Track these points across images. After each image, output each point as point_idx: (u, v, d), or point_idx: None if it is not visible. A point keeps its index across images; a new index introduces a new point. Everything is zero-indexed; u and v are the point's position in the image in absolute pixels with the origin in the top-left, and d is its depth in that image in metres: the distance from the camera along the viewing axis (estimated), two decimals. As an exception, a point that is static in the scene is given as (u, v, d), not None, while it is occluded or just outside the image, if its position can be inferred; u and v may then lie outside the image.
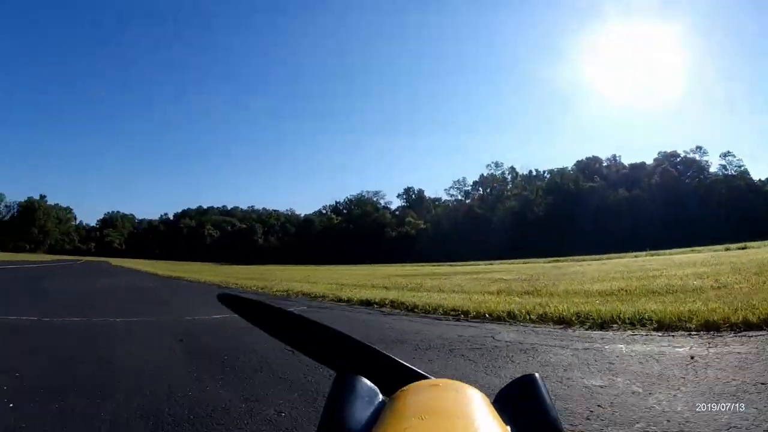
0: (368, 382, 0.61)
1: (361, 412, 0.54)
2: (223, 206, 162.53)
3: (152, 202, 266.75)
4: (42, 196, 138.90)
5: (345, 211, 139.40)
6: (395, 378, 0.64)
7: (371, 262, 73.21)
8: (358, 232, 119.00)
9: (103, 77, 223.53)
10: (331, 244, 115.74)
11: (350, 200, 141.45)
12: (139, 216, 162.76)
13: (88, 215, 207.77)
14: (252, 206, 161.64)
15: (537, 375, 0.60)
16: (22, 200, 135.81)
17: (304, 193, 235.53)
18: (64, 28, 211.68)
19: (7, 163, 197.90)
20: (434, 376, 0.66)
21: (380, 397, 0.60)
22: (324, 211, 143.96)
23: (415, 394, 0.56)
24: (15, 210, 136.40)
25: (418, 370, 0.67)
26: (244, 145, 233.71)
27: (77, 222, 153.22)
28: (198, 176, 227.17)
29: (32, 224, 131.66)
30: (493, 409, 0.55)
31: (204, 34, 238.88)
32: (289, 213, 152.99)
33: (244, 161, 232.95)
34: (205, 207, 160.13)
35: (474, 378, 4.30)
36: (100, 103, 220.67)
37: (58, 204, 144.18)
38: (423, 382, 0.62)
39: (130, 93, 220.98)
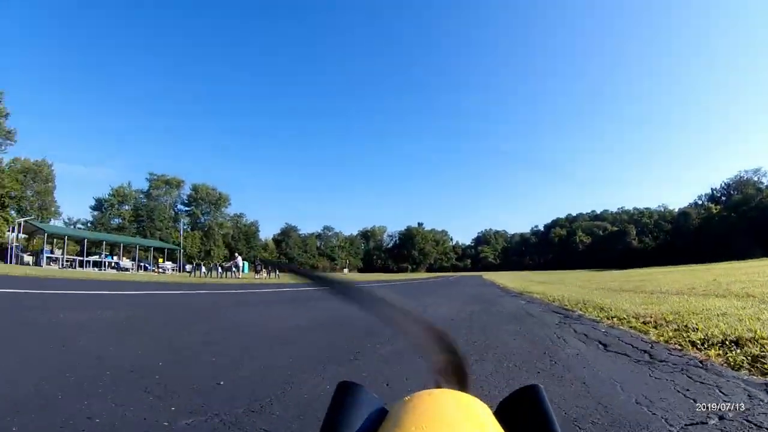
0: (370, 392, 0.59)
1: (362, 421, 0.53)
2: (592, 211, 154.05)
3: (523, 217, 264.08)
4: (419, 224, 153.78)
5: (723, 197, 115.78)
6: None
7: (762, 255, 63.50)
8: (741, 220, 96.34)
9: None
10: (711, 238, 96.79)
11: (727, 184, 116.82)
12: (510, 231, 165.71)
13: (464, 235, 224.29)
14: (622, 207, 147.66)
15: (539, 386, 0.58)
16: (402, 229, 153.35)
17: (675, 185, 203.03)
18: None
19: (392, 202, 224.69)
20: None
21: (381, 406, 0.58)
22: (699, 202, 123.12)
23: (417, 404, 0.54)
24: (396, 238, 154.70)
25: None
26: (608, 150, 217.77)
27: (453, 242, 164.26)
28: (565, 187, 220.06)
29: (412, 248, 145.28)
30: (495, 419, 0.53)
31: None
32: (662, 209, 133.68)
33: (609, 166, 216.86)
34: (574, 214, 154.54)
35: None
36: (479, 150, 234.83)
37: (434, 229, 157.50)
38: (424, 391, 0.59)
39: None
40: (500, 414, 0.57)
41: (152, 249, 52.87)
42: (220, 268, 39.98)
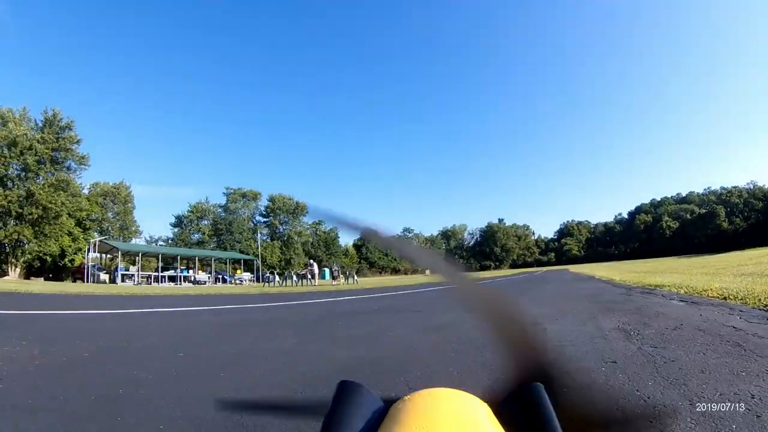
0: (370, 391, 0.57)
1: (362, 420, 0.51)
2: (678, 194, 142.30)
3: (606, 206, 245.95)
4: (500, 219, 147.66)
5: None
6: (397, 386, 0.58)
7: None
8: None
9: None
10: None
11: None
12: (593, 221, 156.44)
13: (546, 228, 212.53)
14: (708, 187, 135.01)
15: (540, 385, 0.56)
16: (483, 226, 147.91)
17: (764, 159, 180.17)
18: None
19: (470, 201, 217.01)
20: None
21: (381, 405, 0.57)
22: None
23: (417, 403, 0.53)
24: (478, 235, 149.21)
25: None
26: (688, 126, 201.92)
27: (536, 236, 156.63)
28: (647, 170, 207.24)
29: (494, 244, 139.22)
30: (495, 418, 0.52)
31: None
32: (752, 187, 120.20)
33: (692, 144, 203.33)
34: (658, 199, 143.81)
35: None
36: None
37: (515, 224, 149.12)
38: (424, 390, 0.58)
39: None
40: (500, 413, 0.55)
41: (228, 261, 50.31)
42: (294, 276, 36.89)
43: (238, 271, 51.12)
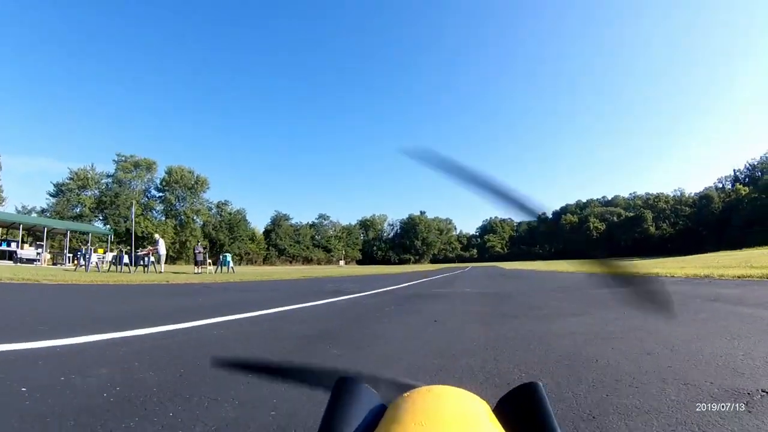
0: (369, 388, 0.57)
1: (361, 417, 0.51)
2: (603, 197, 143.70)
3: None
4: (422, 212, 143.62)
5: (746, 179, 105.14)
6: (396, 384, 0.60)
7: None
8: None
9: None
10: (739, 223, 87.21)
11: (752, 166, 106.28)
12: (517, 219, 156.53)
13: (467, 224, 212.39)
14: (634, 192, 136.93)
15: (539, 383, 0.56)
16: (404, 218, 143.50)
17: (691, 169, 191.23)
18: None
19: (392, 191, 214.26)
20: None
21: (380, 402, 0.56)
22: (721, 184, 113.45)
23: (415, 401, 0.52)
24: (398, 227, 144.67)
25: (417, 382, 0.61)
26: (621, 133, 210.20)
27: (458, 231, 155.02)
28: (573, 171, 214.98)
29: (415, 237, 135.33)
30: (494, 416, 0.52)
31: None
32: (679, 194, 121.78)
33: (622, 150, 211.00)
34: (584, 200, 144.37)
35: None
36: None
37: (437, 217, 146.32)
38: (423, 388, 0.58)
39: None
40: (499, 411, 0.55)
41: (67, 234, 40.92)
42: (125, 257, 25.65)
43: (100, 251, 42.40)
